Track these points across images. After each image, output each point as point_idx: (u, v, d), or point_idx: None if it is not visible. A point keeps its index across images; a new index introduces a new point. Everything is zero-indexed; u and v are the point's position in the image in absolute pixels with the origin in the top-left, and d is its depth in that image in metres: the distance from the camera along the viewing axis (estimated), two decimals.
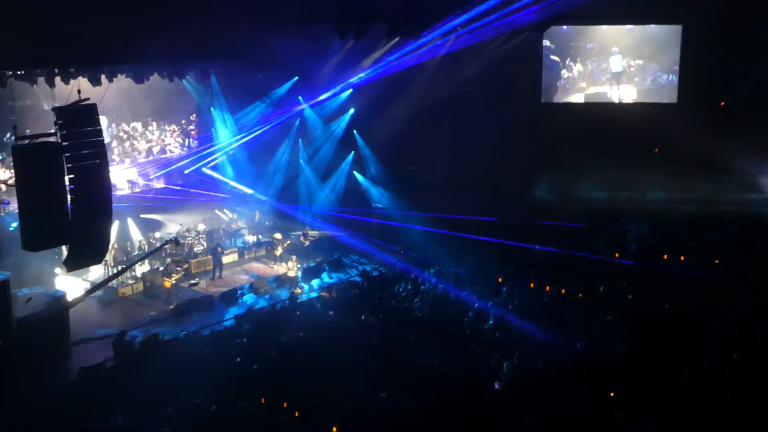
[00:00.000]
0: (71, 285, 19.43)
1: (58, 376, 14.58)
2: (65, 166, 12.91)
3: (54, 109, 13.38)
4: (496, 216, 22.35)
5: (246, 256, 23.85)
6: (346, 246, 23.92)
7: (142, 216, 23.15)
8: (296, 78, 25.38)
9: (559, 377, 10.07)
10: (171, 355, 14.78)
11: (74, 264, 14.37)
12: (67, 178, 12.98)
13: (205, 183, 25.78)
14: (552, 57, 25.58)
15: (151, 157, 25.37)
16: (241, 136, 26.18)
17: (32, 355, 14.29)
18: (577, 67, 25.74)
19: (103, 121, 23.76)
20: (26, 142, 13.19)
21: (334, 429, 10.56)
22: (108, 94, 20.05)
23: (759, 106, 22.21)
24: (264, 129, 26.11)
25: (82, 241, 13.58)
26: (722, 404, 7.13)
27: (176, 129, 26.94)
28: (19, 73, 19.22)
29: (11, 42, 15.17)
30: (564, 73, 25.77)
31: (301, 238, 23.43)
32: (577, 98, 26.05)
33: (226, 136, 26.36)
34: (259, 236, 24.92)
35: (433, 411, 10.10)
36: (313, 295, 19.87)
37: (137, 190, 24.10)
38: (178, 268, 20.59)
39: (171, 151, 26.19)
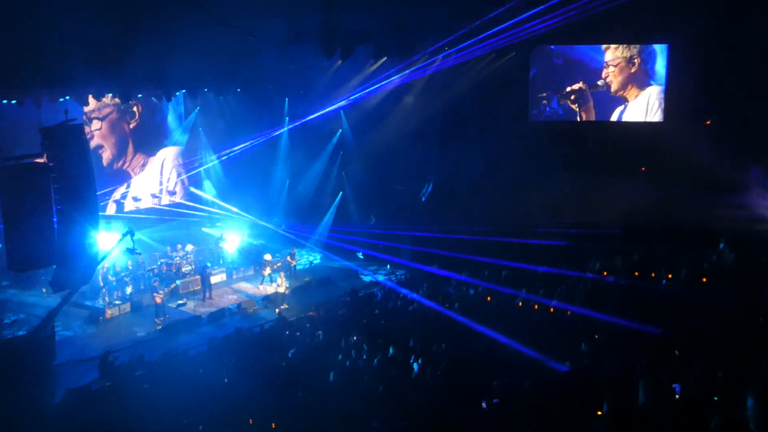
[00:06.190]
0: None
1: (43, 398, 14.42)
2: (52, 187, 12.87)
3: (41, 129, 13.33)
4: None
5: (234, 276, 23.81)
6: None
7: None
8: (286, 99, 25.54)
9: (546, 396, 10.03)
10: (157, 376, 14.67)
11: (61, 285, 14.26)
12: (53, 199, 12.93)
13: (193, 202, 25.86)
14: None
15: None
16: (229, 155, 26.26)
17: (17, 378, 14.14)
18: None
19: None
20: (11, 162, 13.12)
21: None
22: None
23: (745, 124, 22.37)
24: (250, 145, 26.20)
25: (69, 261, 13.49)
26: (708, 422, 7.11)
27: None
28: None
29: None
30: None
31: (288, 258, 23.41)
32: None
33: (212, 157, 26.48)
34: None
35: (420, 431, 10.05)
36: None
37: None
38: (165, 289, 20.54)
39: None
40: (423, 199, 26.43)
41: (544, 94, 25.68)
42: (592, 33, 23.15)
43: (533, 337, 13.79)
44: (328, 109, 24.93)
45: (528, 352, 12.90)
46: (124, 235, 16.66)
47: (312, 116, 25.40)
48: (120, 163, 25.46)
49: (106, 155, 24.89)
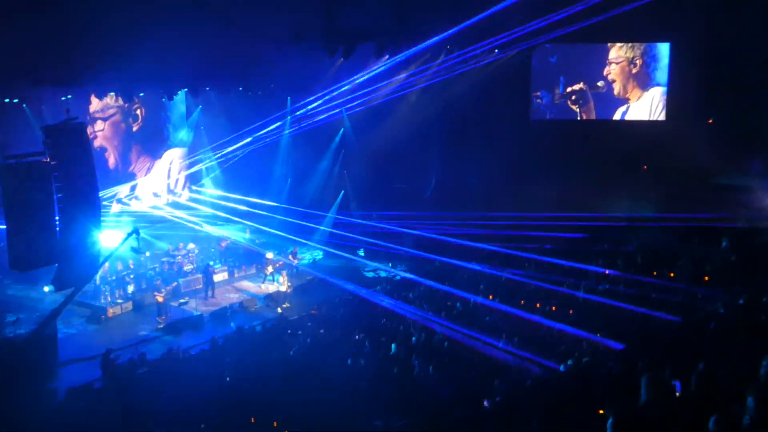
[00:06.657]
0: None
1: (45, 397, 14.45)
2: (54, 185, 12.88)
3: (42, 128, 13.35)
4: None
5: (236, 275, 23.82)
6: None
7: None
8: (288, 97, 25.54)
9: (546, 395, 10.04)
10: (160, 374, 14.68)
11: (63, 283, 14.26)
12: (55, 197, 12.95)
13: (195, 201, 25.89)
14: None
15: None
16: (231, 154, 26.26)
17: (19, 376, 14.16)
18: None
19: None
20: (13, 161, 13.13)
21: None
22: None
23: (747, 123, 22.35)
24: (251, 144, 26.21)
25: (72, 260, 13.50)
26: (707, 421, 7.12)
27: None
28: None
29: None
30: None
31: (290, 257, 23.41)
32: None
33: (214, 156, 26.49)
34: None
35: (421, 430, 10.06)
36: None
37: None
38: (167, 287, 20.55)
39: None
40: (427, 194, 26.52)
41: (538, 93, 25.70)
42: (594, 32, 23.11)
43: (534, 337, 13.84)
44: (329, 104, 24.92)
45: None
46: (129, 234, 16.65)
47: (313, 113, 25.39)
48: (125, 165, 25.42)
49: (111, 157, 24.83)
